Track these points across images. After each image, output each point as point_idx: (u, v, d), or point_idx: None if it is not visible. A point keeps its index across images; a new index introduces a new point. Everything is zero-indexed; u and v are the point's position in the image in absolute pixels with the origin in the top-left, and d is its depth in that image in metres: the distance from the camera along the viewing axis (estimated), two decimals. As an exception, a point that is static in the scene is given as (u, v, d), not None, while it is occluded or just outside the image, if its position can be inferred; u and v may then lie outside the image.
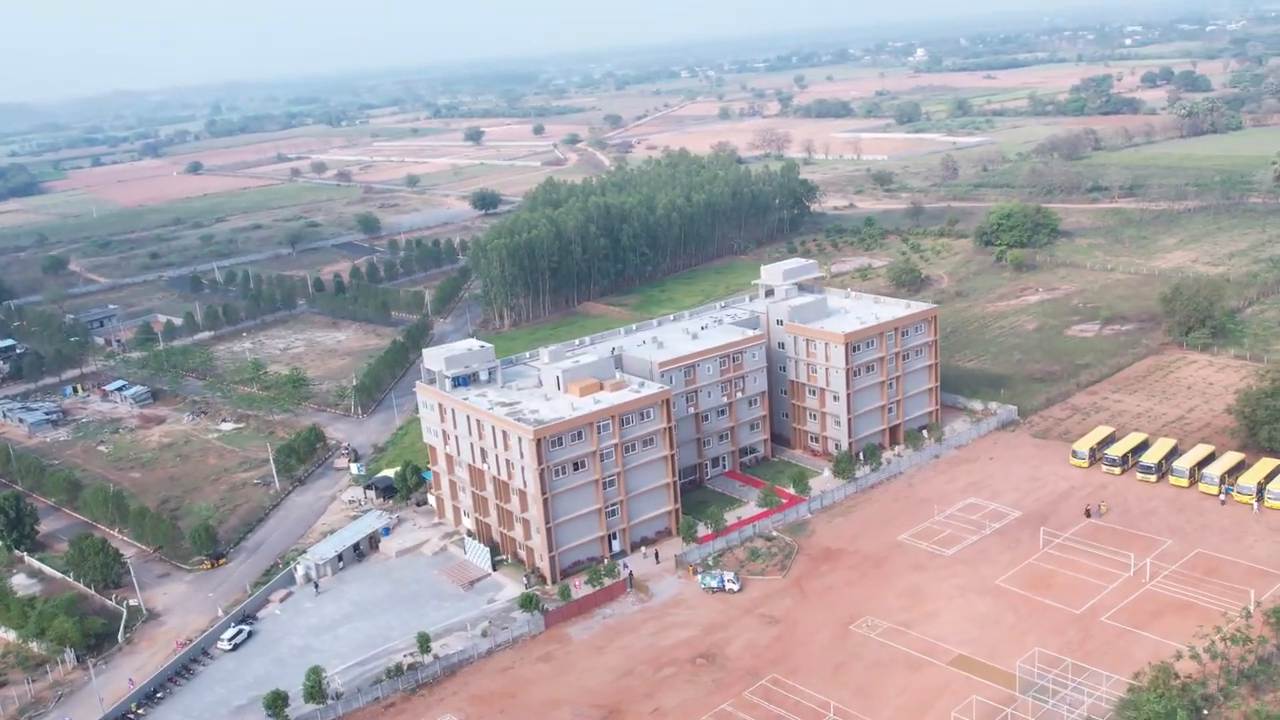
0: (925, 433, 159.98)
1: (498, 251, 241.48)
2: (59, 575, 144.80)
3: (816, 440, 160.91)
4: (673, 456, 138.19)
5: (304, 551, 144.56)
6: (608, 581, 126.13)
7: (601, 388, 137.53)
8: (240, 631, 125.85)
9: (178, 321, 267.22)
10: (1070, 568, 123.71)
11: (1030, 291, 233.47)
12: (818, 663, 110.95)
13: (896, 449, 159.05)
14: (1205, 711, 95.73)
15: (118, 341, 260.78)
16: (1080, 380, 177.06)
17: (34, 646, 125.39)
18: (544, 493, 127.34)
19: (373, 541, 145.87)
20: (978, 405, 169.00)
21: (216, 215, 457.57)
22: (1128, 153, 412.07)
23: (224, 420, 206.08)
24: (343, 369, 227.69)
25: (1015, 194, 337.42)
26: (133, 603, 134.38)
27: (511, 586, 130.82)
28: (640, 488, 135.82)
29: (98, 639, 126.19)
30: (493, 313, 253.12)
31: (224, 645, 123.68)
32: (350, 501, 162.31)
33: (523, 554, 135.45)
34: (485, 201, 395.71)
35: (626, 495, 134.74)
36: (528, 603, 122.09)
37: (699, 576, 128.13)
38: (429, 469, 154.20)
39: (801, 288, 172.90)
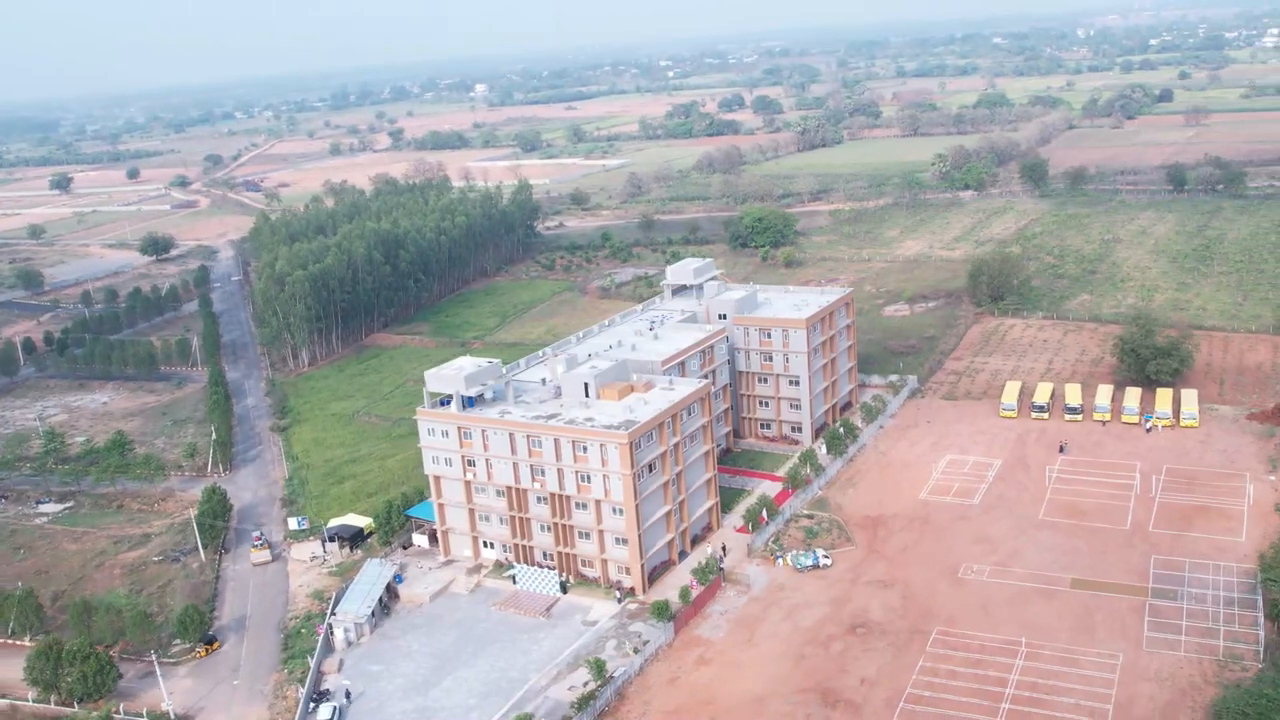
0: (858, 408, 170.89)
1: (298, 283, 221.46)
2: (19, 702, 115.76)
3: (768, 427, 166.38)
4: (712, 451, 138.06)
5: (319, 616, 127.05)
6: (709, 579, 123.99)
7: (633, 390, 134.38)
8: (334, 710, 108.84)
9: None
10: (1084, 496, 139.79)
11: (814, 283, 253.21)
12: (963, 610, 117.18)
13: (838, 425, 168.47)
14: None
15: None
16: (940, 350, 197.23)
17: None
18: (636, 498, 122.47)
19: (389, 591, 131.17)
20: (888, 379, 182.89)
21: None
22: (769, 164, 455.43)
23: (40, 502, 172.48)
24: (139, 431, 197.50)
25: (714, 204, 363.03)
26: (166, 708, 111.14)
27: (600, 605, 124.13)
28: (692, 485, 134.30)
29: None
30: (287, 352, 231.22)
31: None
32: (313, 558, 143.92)
33: (591, 570, 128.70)
34: (158, 247, 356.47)
35: (686, 493, 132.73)
36: (661, 612, 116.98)
37: (780, 560, 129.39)
38: (429, 502, 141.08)
39: (714, 283, 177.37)
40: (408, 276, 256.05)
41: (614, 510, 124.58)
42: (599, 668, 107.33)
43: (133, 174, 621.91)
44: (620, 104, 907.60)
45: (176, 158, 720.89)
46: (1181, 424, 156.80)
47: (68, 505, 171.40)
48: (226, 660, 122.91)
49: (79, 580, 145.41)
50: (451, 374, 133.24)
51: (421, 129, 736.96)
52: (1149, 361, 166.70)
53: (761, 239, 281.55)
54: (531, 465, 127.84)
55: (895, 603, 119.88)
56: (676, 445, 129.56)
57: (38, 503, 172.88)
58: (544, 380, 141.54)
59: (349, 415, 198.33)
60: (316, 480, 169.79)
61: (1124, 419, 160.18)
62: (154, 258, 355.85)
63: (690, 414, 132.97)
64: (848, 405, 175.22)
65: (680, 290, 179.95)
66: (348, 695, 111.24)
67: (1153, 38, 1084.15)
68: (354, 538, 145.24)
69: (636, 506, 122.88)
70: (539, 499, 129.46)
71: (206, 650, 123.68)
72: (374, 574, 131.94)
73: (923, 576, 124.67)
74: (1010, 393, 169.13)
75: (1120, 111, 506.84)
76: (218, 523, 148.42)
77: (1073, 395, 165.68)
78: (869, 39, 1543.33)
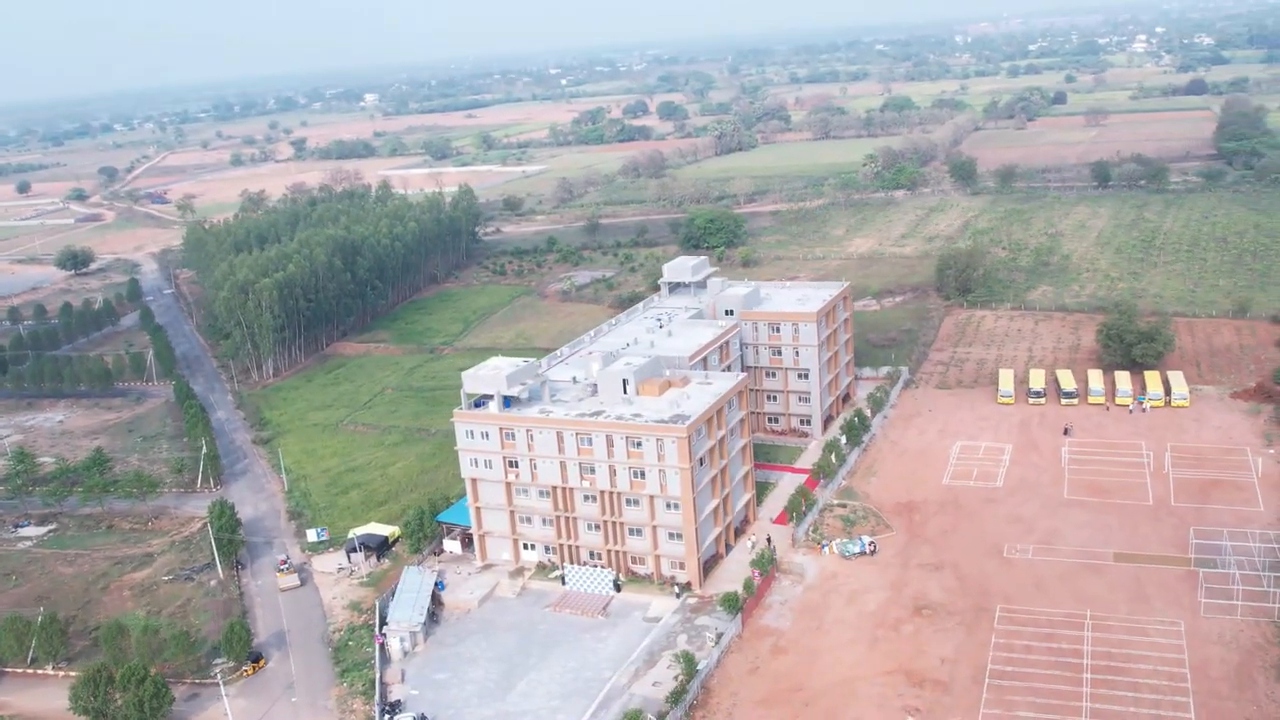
0: (867, 399, 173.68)
1: (266, 291, 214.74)
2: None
3: (776, 421, 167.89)
4: (749, 444, 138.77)
5: (362, 628, 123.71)
6: (767, 570, 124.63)
7: (671, 385, 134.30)
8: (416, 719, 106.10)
9: None
10: (1101, 475, 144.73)
11: (777, 280, 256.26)
12: (1018, 588, 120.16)
13: (842, 417, 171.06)
14: None
15: None
16: (922, 342, 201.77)
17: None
18: (693, 492, 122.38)
19: (433, 599, 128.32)
20: (879, 371, 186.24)
21: None
22: (691, 168, 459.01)
23: (19, 525, 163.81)
24: (109, 449, 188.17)
25: (651, 208, 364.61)
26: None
27: (658, 601, 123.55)
28: (734, 478, 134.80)
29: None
30: (250, 363, 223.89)
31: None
32: (340, 569, 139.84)
33: (642, 567, 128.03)
34: (76, 261, 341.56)
35: (731, 487, 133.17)
36: (731, 604, 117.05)
37: (827, 548, 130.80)
38: (458, 506, 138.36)
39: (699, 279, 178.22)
40: (365, 284, 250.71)
41: (668, 505, 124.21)
42: (689, 661, 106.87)
43: (23, 188, 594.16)
44: (521, 111, 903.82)
45: (65, 170, 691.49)
46: (1173, 404, 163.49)
47: (51, 528, 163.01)
48: (276, 677, 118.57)
49: (87, 604, 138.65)
50: (490, 374, 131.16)
51: (322, 138, 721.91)
52: (1134, 346, 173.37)
53: (715, 239, 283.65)
54: (580, 463, 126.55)
55: (951, 584, 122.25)
56: (722, 439, 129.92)
57: (16, 526, 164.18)
58: (575, 379, 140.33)
59: (332, 425, 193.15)
60: (319, 491, 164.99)
61: (1118, 401, 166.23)
62: (72, 272, 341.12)
63: (730, 408, 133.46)
64: (846, 397, 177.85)
65: (677, 287, 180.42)
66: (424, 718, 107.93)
67: (1030, 44, 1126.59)
68: (379, 547, 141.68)
69: (694, 500, 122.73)
70: (587, 497, 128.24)
71: (254, 668, 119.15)
72: (415, 582, 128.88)
73: (969, 558, 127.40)
74: (1006, 380, 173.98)
75: (1022, 113, 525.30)
76: (234, 537, 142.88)
77: (1066, 380, 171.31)
78: (754, 47, 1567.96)
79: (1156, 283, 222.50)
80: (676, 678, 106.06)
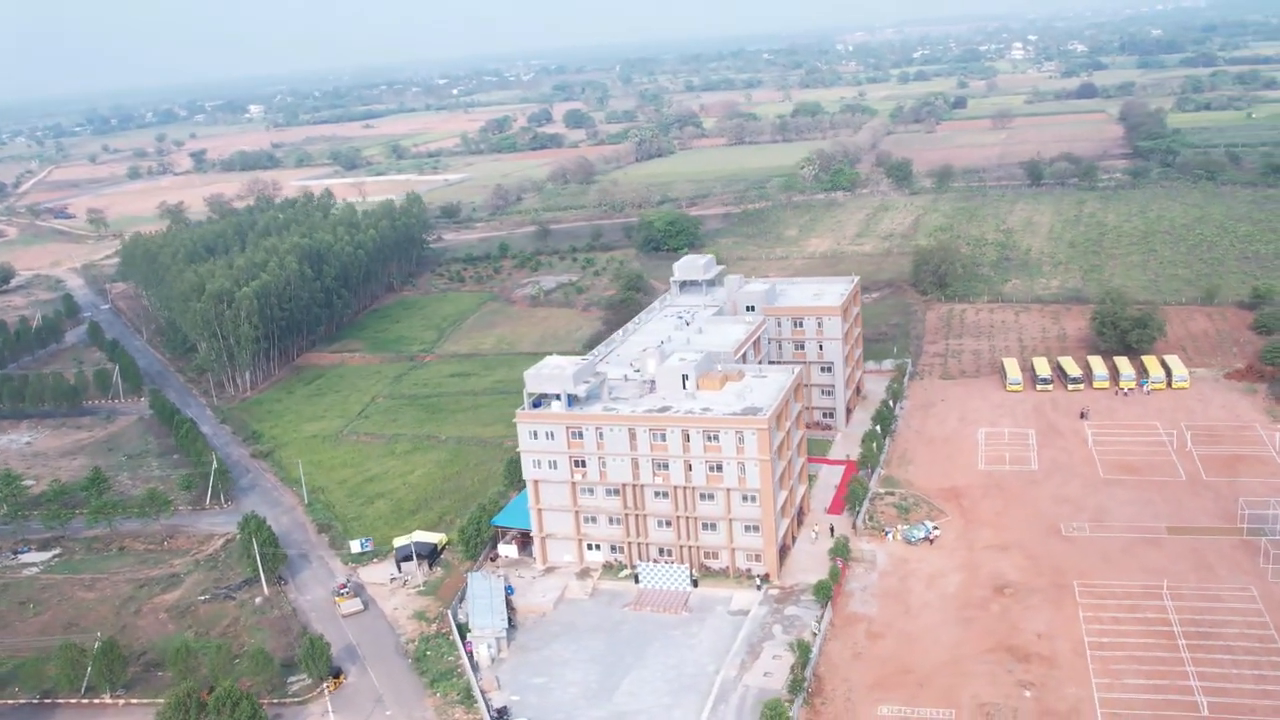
0: (888, 389, 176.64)
1: (246, 300, 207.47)
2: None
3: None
4: (804, 436, 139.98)
5: (437, 636, 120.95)
6: (847, 559, 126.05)
7: (728, 379, 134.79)
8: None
9: None
10: (1129, 454, 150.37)
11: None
12: (1088, 563, 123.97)
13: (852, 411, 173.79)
14: None
15: None
16: (914, 335, 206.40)
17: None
18: (773, 483, 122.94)
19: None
20: (882, 364, 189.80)
21: None
22: (617, 174, 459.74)
23: (18, 551, 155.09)
24: (81, 470, 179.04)
25: (592, 213, 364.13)
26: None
27: (739, 594, 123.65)
28: (795, 470, 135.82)
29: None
30: (224, 376, 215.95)
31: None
32: (392, 579, 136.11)
33: (715, 561, 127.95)
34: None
35: (794, 478, 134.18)
36: (823, 592, 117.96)
37: (890, 535, 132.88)
38: (511, 509, 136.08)
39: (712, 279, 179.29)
40: (332, 293, 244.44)
41: (744, 498, 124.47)
42: (804, 650, 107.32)
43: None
44: (419, 121, 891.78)
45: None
46: (1174, 386, 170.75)
47: (56, 553, 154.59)
48: (359, 691, 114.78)
49: (122, 629, 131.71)
50: (553, 373, 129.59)
51: (219, 150, 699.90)
52: (1128, 332, 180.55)
53: (675, 242, 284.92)
54: (654, 459, 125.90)
55: (1022, 563, 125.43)
56: (788, 431, 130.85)
57: (16, 552, 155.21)
58: (625, 376, 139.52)
59: (333, 436, 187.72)
60: (341, 503, 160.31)
61: (1122, 384, 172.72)
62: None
63: (790, 400, 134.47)
64: (857, 390, 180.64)
65: (688, 285, 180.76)
66: None
67: (913, 52, 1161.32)
68: (430, 555, 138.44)
69: (773, 492, 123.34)
70: (658, 494, 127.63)
71: (335, 683, 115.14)
72: (485, 588, 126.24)
73: (1031, 537, 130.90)
74: (1012, 368, 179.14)
75: (930, 117, 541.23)
76: (276, 551, 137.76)
77: (1070, 367, 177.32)
78: (640, 57, 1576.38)
79: (1119, 274, 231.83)
80: (791, 668, 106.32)
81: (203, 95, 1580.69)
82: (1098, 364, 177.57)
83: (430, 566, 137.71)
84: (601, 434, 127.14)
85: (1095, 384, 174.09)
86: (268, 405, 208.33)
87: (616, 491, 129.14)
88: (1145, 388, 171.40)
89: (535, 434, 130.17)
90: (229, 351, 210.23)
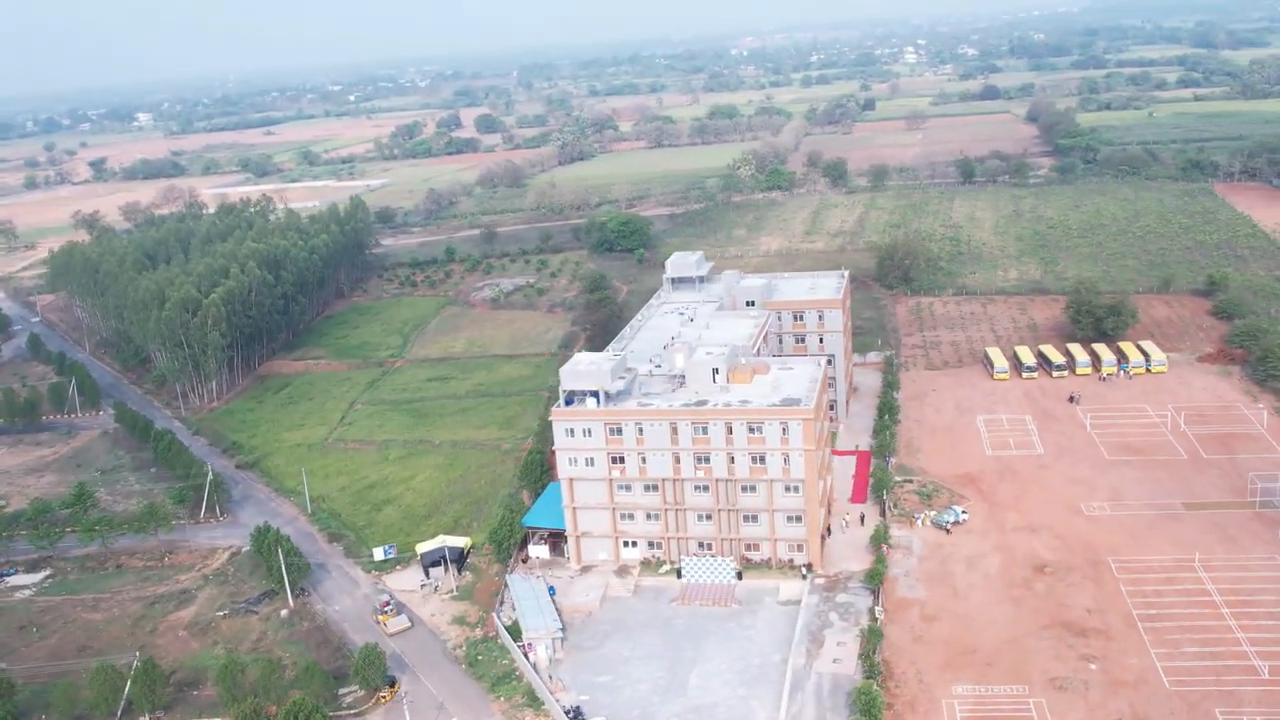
0: (884, 378, 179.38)
1: (214, 307, 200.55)
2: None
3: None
4: (826, 428, 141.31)
5: (486, 640, 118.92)
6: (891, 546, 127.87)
7: (755, 372, 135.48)
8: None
9: None
10: (1127, 436, 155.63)
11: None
12: (1116, 540, 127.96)
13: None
14: None
15: None
16: (889, 328, 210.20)
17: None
18: (816, 473, 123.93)
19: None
20: (866, 356, 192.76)
21: None
22: (544, 177, 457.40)
23: (6, 574, 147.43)
24: (68, 486, 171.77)
25: (530, 215, 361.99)
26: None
27: (786, 584, 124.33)
28: (827, 461, 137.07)
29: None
30: (188, 386, 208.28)
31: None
32: (422, 585, 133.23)
33: (757, 552, 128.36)
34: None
35: (828, 469, 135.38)
36: (875, 578, 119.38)
37: (920, 520, 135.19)
38: (539, 510, 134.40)
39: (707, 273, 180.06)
40: (290, 299, 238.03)
41: (787, 488, 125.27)
42: (876, 635, 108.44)
43: None
44: (321, 128, 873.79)
45: None
46: (1153, 370, 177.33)
47: (47, 574, 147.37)
48: (418, 699, 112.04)
49: (142, 648, 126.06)
50: (589, 369, 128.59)
51: (118, 159, 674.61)
52: (1103, 319, 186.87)
53: (628, 242, 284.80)
54: (695, 453, 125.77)
55: (1054, 542, 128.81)
56: (822, 423, 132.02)
57: (2, 575, 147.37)
58: (649, 372, 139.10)
59: (319, 444, 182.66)
60: (346, 511, 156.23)
61: (1105, 370, 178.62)
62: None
63: (824, 392, 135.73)
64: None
65: (681, 282, 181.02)
66: None
67: (809, 56, 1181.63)
68: (459, 559, 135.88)
69: (815, 482, 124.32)
70: (698, 487, 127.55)
71: (391, 693, 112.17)
72: (528, 589, 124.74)
73: (1056, 517, 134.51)
74: (998, 357, 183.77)
75: (846, 119, 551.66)
76: (300, 562, 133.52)
77: (1053, 354, 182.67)
78: (535, 62, 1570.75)
79: (1073, 266, 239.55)
80: (860, 654, 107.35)
81: (82, 104, 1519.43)
82: (1078, 351, 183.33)
83: (459, 571, 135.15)
84: (641, 429, 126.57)
85: (1078, 370, 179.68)
86: (240, 415, 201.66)
87: (655, 487, 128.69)
88: (1127, 372, 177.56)
89: (572, 431, 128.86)
90: (194, 361, 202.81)
